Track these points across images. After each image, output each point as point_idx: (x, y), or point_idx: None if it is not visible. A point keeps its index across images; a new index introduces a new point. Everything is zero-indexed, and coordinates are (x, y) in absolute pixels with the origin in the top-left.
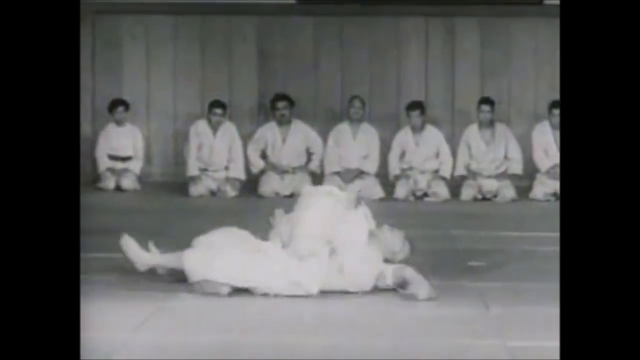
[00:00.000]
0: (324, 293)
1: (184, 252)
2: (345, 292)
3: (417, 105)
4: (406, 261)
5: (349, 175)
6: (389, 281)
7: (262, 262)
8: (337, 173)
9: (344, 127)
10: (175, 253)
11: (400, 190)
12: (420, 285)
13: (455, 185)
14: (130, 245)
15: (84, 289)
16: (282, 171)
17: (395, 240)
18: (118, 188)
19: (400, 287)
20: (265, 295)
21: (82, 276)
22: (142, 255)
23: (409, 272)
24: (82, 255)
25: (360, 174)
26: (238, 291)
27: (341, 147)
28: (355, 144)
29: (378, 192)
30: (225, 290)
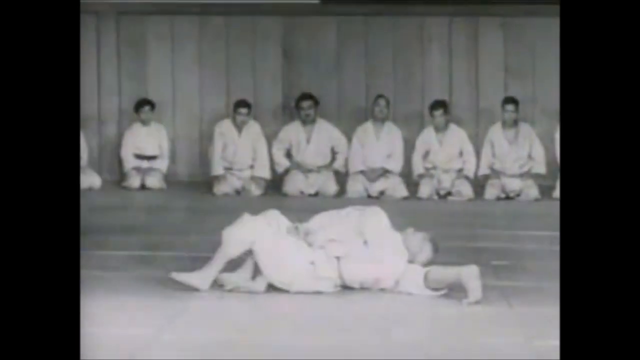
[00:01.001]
0: (345, 290)
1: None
2: (366, 289)
3: (440, 105)
4: (429, 262)
5: (373, 174)
6: (439, 284)
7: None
8: (362, 172)
9: (368, 127)
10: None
11: (424, 190)
12: (476, 290)
13: (478, 184)
14: (183, 277)
15: (107, 286)
16: (306, 170)
17: (415, 242)
18: (143, 187)
19: (449, 288)
20: (286, 292)
21: (105, 274)
22: (199, 275)
23: (471, 281)
24: (106, 252)
25: (384, 173)
26: (268, 290)
27: (365, 146)
28: (379, 143)
29: (402, 191)
30: (261, 288)
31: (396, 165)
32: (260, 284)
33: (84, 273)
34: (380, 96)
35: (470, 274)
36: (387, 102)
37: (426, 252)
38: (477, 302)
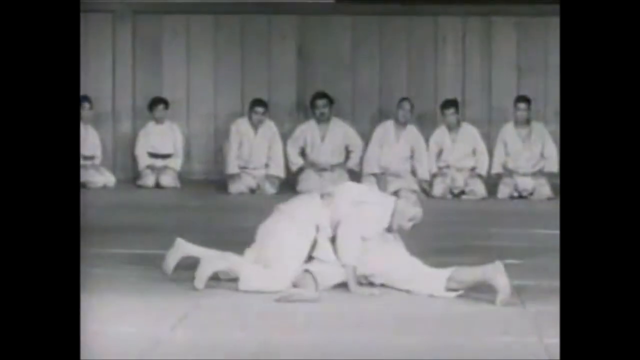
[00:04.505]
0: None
1: None
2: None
3: (451, 104)
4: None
5: (389, 175)
6: (460, 284)
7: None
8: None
9: (388, 128)
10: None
11: (438, 188)
12: (505, 287)
13: (491, 183)
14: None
15: (119, 284)
16: (320, 169)
17: (409, 207)
18: (158, 185)
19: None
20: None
21: (118, 272)
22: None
23: (498, 277)
24: (121, 251)
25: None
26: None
27: (383, 147)
28: (398, 146)
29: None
30: (313, 296)
31: (421, 170)
32: (311, 294)
33: (96, 271)
34: (404, 99)
35: (496, 272)
36: (412, 106)
37: (418, 215)
38: (507, 300)
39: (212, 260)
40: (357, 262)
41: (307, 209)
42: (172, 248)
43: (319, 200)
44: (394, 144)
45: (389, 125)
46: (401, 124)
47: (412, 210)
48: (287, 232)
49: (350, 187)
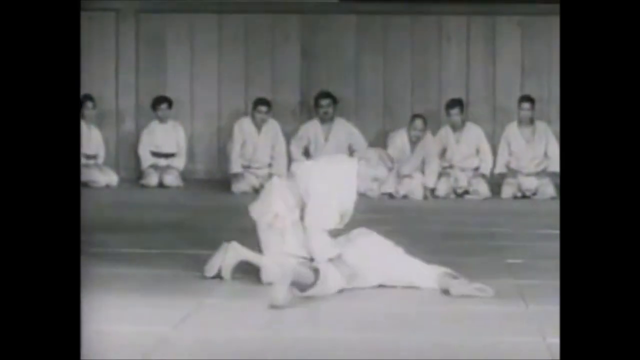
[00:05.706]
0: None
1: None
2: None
3: (456, 103)
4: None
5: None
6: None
7: None
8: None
9: (404, 142)
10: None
11: (442, 188)
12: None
13: (495, 183)
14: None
15: (122, 284)
16: None
17: (369, 169)
18: (161, 185)
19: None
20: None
21: (120, 271)
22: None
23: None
24: (123, 250)
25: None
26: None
27: (400, 160)
28: (412, 157)
29: (419, 191)
30: (333, 290)
31: (430, 178)
32: (331, 288)
33: (97, 271)
34: (416, 116)
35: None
36: (425, 122)
37: (384, 173)
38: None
39: (238, 249)
40: (334, 253)
41: (265, 203)
42: (223, 252)
43: (277, 188)
44: (409, 157)
45: (403, 137)
46: (414, 140)
47: (372, 171)
48: (264, 235)
49: (311, 170)
